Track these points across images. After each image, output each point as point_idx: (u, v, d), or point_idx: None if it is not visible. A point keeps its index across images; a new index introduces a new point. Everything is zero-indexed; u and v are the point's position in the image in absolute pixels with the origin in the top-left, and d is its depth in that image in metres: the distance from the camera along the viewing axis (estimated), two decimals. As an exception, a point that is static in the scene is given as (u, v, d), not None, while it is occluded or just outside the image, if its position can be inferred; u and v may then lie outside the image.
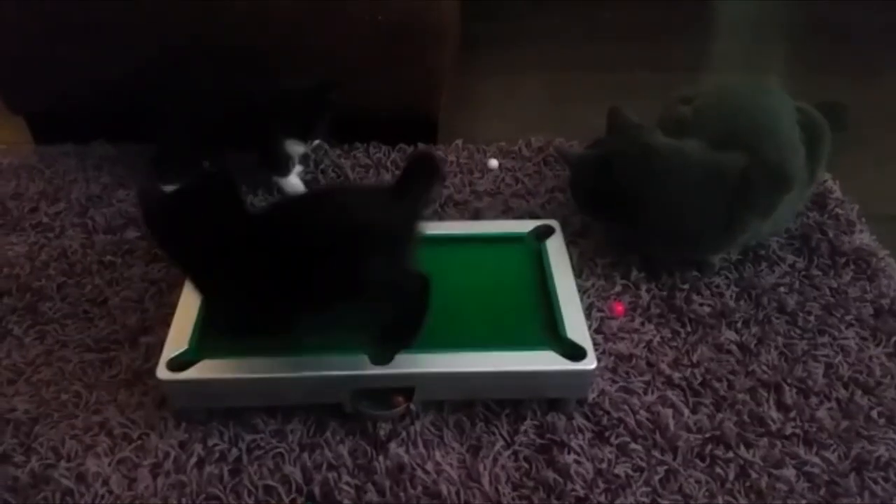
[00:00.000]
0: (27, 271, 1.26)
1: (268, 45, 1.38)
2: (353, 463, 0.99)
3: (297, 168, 1.44)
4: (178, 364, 1.00)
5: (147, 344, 1.13)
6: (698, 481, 0.97)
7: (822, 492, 0.97)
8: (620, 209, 1.22)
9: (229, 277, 0.96)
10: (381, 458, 0.99)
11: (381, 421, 1.03)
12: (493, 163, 1.52)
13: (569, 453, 1.00)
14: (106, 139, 1.57)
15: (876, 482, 0.98)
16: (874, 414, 1.06)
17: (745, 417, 1.05)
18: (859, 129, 1.53)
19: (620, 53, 2.00)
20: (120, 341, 1.15)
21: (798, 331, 1.18)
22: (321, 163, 1.53)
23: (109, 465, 0.98)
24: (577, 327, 1.05)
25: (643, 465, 0.99)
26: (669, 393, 1.08)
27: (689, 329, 1.18)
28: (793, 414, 1.06)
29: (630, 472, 0.98)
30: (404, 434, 1.02)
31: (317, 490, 0.96)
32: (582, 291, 1.19)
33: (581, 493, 0.96)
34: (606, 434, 1.03)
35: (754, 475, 0.98)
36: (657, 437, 1.02)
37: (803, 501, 0.96)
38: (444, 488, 0.96)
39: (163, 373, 0.99)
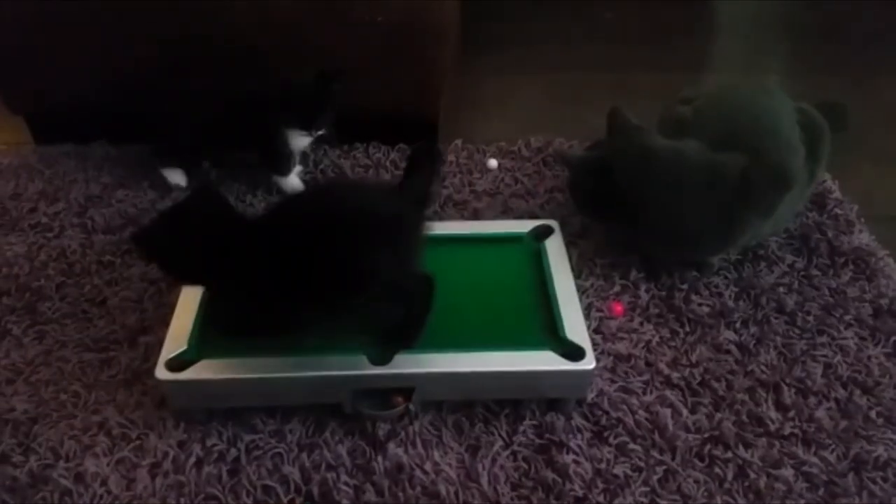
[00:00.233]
0: (26, 271, 1.27)
1: (268, 45, 1.38)
2: (352, 463, 0.99)
3: (297, 168, 1.44)
4: (177, 364, 1.00)
5: (146, 344, 1.13)
6: (697, 481, 0.97)
7: (821, 492, 0.97)
8: (620, 211, 1.22)
9: (231, 283, 0.96)
10: (379, 458, 0.99)
11: (380, 421, 1.03)
12: (493, 163, 1.52)
13: (568, 453, 1.00)
14: (106, 139, 1.57)
15: (874, 482, 0.98)
16: (873, 414, 1.06)
17: (744, 417, 1.05)
18: (859, 130, 1.53)
19: (620, 54, 2.00)
20: (119, 341, 1.15)
21: (797, 331, 1.18)
22: (321, 163, 1.53)
23: (108, 465, 0.98)
24: (576, 327, 1.05)
25: (642, 464, 0.99)
26: (668, 393, 1.08)
27: (687, 329, 1.18)
28: (791, 414, 1.06)
29: (629, 472, 0.98)
30: (403, 434, 1.02)
31: (315, 490, 0.96)
32: (581, 291, 1.19)
33: (580, 493, 0.96)
34: (605, 434, 1.03)
35: (753, 475, 0.98)
36: (656, 437, 1.02)
37: (802, 501, 0.96)
38: (442, 488, 0.96)
39: (162, 373, 0.99)
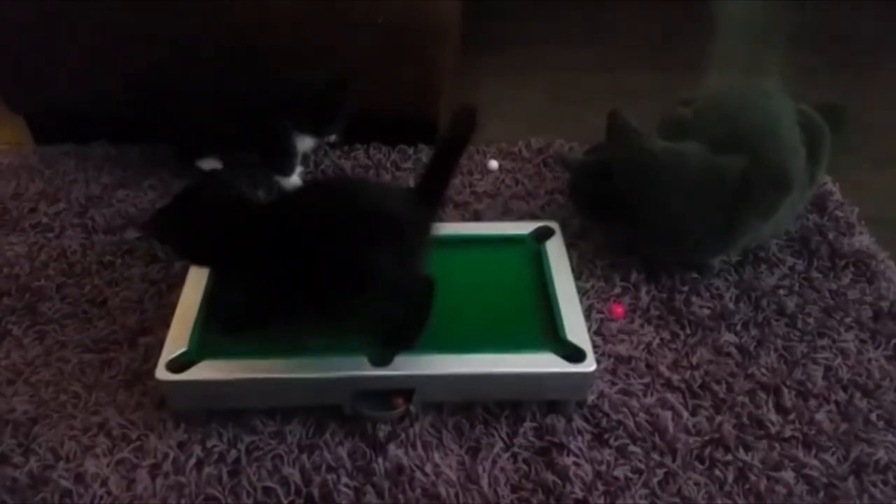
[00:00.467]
0: (26, 271, 1.26)
1: (268, 45, 1.38)
2: (353, 464, 0.99)
3: (298, 168, 1.44)
4: (177, 365, 1.00)
5: (146, 344, 1.13)
6: (697, 484, 0.97)
7: (821, 495, 0.97)
8: (620, 214, 1.22)
9: (239, 264, 0.97)
10: (380, 459, 0.99)
11: (381, 422, 1.03)
12: (493, 164, 1.52)
13: (568, 455, 1.00)
14: (106, 140, 1.57)
15: (875, 485, 0.98)
16: (873, 417, 1.06)
17: (745, 420, 1.05)
18: (859, 132, 1.53)
19: (621, 55, 2.00)
20: (119, 342, 1.14)
21: (797, 333, 1.18)
22: (321, 163, 1.53)
23: (108, 465, 0.98)
24: (576, 329, 1.05)
25: (642, 467, 0.99)
26: (669, 395, 1.08)
27: (688, 331, 1.18)
28: (792, 416, 1.06)
29: (629, 474, 0.98)
30: (403, 436, 1.02)
31: (316, 492, 0.95)
32: (581, 293, 1.18)
33: (580, 495, 0.96)
34: (606, 436, 1.02)
35: (753, 478, 0.98)
36: (656, 439, 1.02)
37: (802, 504, 0.96)
38: (443, 490, 0.96)
39: (162, 374, 0.99)
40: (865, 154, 1.56)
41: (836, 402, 1.08)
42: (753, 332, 1.18)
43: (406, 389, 1.02)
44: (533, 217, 1.37)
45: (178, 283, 1.13)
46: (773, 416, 1.06)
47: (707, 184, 1.17)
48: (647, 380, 1.10)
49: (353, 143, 1.56)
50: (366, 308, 0.98)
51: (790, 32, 2.26)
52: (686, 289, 1.24)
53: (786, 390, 1.09)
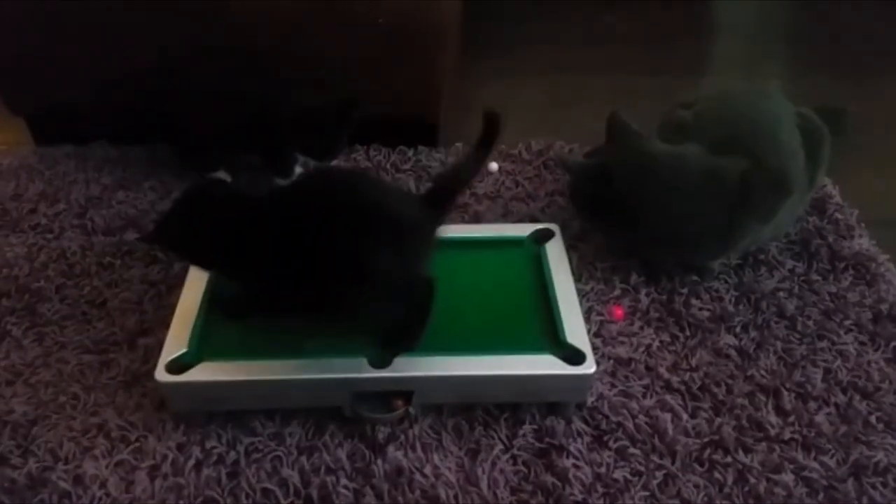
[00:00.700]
0: (26, 272, 1.26)
1: (268, 46, 1.38)
2: (352, 466, 0.99)
3: (298, 170, 1.44)
4: (176, 366, 1.00)
5: (146, 346, 1.13)
6: (697, 486, 0.97)
7: (821, 497, 0.97)
8: (620, 216, 1.22)
9: (245, 265, 0.98)
10: (379, 461, 0.99)
11: (380, 424, 1.03)
12: (493, 166, 1.52)
13: (567, 457, 1.00)
14: (106, 140, 1.57)
15: (874, 487, 0.97)
16: (873, 419, 1.06)
17: (744, 422, 1.05)
18: (859, 134, 1.53)
19: (621, 57, 2.00)
20: (118, 343, 1.14)
21: (797, 335, 1.18)
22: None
23: (107, 467, 0.98)
24: (576, 331, 1.05)
25: (642, 469, 0.99)
26: (668, 397, 1.08)
27: (688, 333, 1.18)
28: (791, 419, 1.06)
29: (629, 476, 0.98)
30: (403, 437, 1.02)
31: (315, 493, 0.95)
32: (581, 295, 1.18)
33: (580, 497, 0.96)
34: (605, 438, 1.02)
35: (753, 480, 0.98)
36: (656, 441, 1.02)
37: (801, 507, 0.96)
38: (442, 492, 0.96)
39: (161, 375, 0.99)
40: (865, 157, 1.56)
41: (836, 405, 1.08)
42: (753, 334, 1.18)
43: (405, 391, 1.02)
44: (533, 219, 1.37)
45: (177, 285, 1.13)
46: (773, 419, 1.06)
47: (707, 186, 1.17)
48: (646, 382, 1.10)
49: (353, 144, 1.56)
50: (366, 305, 0.98)
51: (790, 34, 2.27)
52: (686, 291, 1.24)
53: (785, 392, 1.09)
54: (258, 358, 1.01)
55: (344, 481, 0.97)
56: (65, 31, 1.40)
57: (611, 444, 1.02)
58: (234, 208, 0.99)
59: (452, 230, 1.26)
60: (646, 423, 1.04)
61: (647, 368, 1.12)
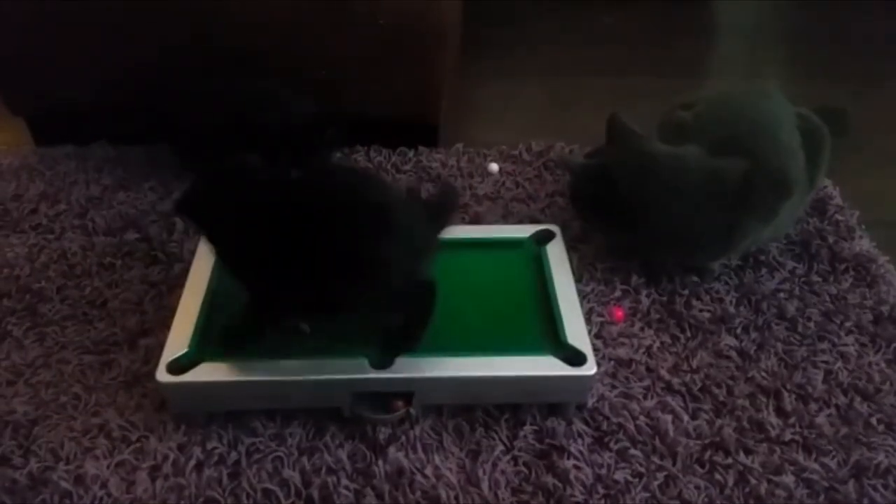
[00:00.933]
0: (27, 273, 1.26)
1: (268, 46, 1.38)
2: (352, 467, 0.99)
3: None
4: (177, 367, 1.00)
5: (146, 346, 1.13)
6: (697, 487, 0.97)
7: (822, 498, 0.97)
8: (621, 217, 1.22)
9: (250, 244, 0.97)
10: (380, 462, 0.99)
11: (381, 425, 1.03)
12: (494, 167, 1.52)
13: (568, 458, 1.00)
14: (106, 141, 1.57)
15: (875, 489, 0.97)
16: (873, 420, 1.06)
17: (745, 423, 1.05)
18: (859, 135, 1.53)
19: (621, 58, 2.00)
20: (119, 343, 1.14)
21: (797, 337, 1.18)
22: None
23: (108, 467, 0.98)
24: (577, 332, 1.05)
25: (642, 470, 0.99)
26: (669, 398, 1.08)
27: (688, 334, 1.18)
28: (792, 420, 1.06)
29: (629, 477, 0.98)
30: (403, 438, 1.02)
31: (316, 494, 0.95)
32: (582, 296, 1.18)
33: (580, 498, 0.96)
34: (606, 439, 1.02)
35: (753, 481, 0.98)
36: (656, 442, 1.02)
37: (802, 508, 0.96)
38: (443, 493, 0.96)
39: (162, 375, 0.99)
40: (866, 158, 1.56)
41: (837, 406, 1.08)
42: (754, 335, 1.18)
43: (406, 392, 1.02)
44: (533, 220, 1.37)
45: (178, 285, 1.13)
46: (774, 420, 1.05)
47: (707, 187, 1.17)
48: (647, 383, 1.10)
49: (354, 145, 1.56)
50: (367, 305, 0.98)
51: (790, 34, 2.27)
52: (686, 292, 1.24)
53: (786, 394, 1.09)
54: (258, 358, 1.01)
55: (345, 482, 0.97)
56: (65, 31, 1.40)
57: (611, 445, 1.02)
58: (256, 189, 0.99)
59: (453, 231, 1.27)
60: (646, 424, 1.04)
61: (648, 370, 1.12)
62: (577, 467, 0.99)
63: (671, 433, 1.03)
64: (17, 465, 0.98)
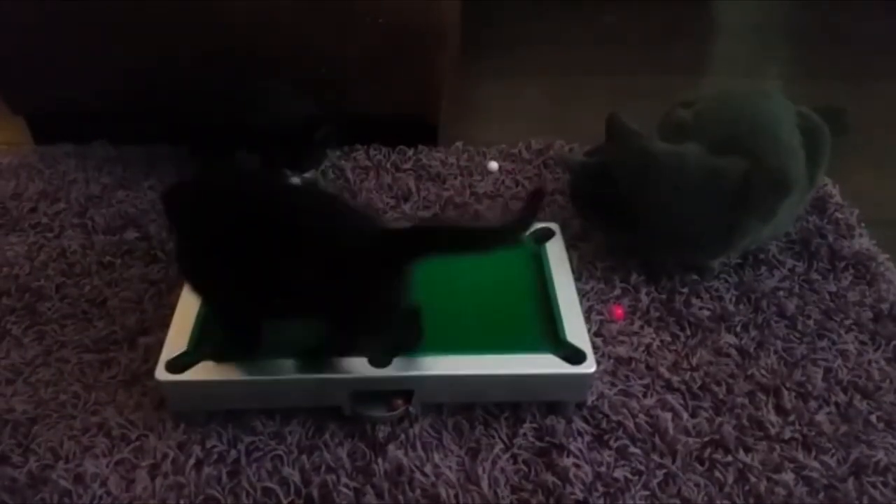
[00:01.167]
0: (26, 271, 1.26)
1: (268, 45, 1.38)
2: (352, 465, 0.99)
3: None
4: (177, 365, 1.00)
5: (146, 345, 1.13)
6: (697, 485, 0.97)
7: (821, 496, 0.97)
8: (620, 215, 1.22)
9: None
10: (379, 460, 0.99)
11: (380, 423, 1.03)
12: (493, 165, 1.52)
13: (568, 456, 1.00)
14: (106, 140, 1.57)
15: (875, 487, 0.97)
16: (873, 418, 1.06)
17: (744, 421, 1.05)
18: (859, 134, 1.53)
19: (621, 57, 2.00)
20: (119, 342, 1.14)
21: (797, 335, 1.18)
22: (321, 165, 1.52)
23: (108, 466, 0.98)
24: (576, 331, 1.05)
25: (642, 468, 0.99)
26: (668, 396, 1.08)
27: (688, 333, 1.18)
28: (792, 418, 1.06)
29: (629, 475, 0.98)
30: (403, 436, 1.02)
31: (315, 492, 0.95)
32: (581, 294, 1.18)
33: (580, 496, 0.96)
34: (605, 437, 1.02)
35: (753, 479, 0.98)
36: (656, 440, 1.02)
37: (802, 506, 0.96)
38: (442, 491, 0.96)
39: (161, 374, 0.99)
40: (865, 156, 1.56)
41: (836, 404, 1.08)
42: (753, 333, 1.18)
43: (405, 390, 1.02)
44: (533, 218, 1.37)
45: (177, 284, 1.12)
46: (773, 418, 1.05)
47: (707, 186, 1.17)
48: (646, 381, 1.10)
49: (353, 143, 1.56)
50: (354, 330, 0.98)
51: (790, 34, 2.27)
52: (686, 290, 1.24)
53: (786, 392, 1.09)
54: (258, 357, 1.01)
55: (344, 480, 0.97)
56: (65, 31, 1.40)
57: (611, 443, 1.02)
58: (230, 196, 0.96)
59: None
60: (646, 422, 1.04)
61: (648, 368, 1.12)
62: (576, 465, 0.99)
63: (671, 431, 1.03)
64: (16, 464, 0.98)
